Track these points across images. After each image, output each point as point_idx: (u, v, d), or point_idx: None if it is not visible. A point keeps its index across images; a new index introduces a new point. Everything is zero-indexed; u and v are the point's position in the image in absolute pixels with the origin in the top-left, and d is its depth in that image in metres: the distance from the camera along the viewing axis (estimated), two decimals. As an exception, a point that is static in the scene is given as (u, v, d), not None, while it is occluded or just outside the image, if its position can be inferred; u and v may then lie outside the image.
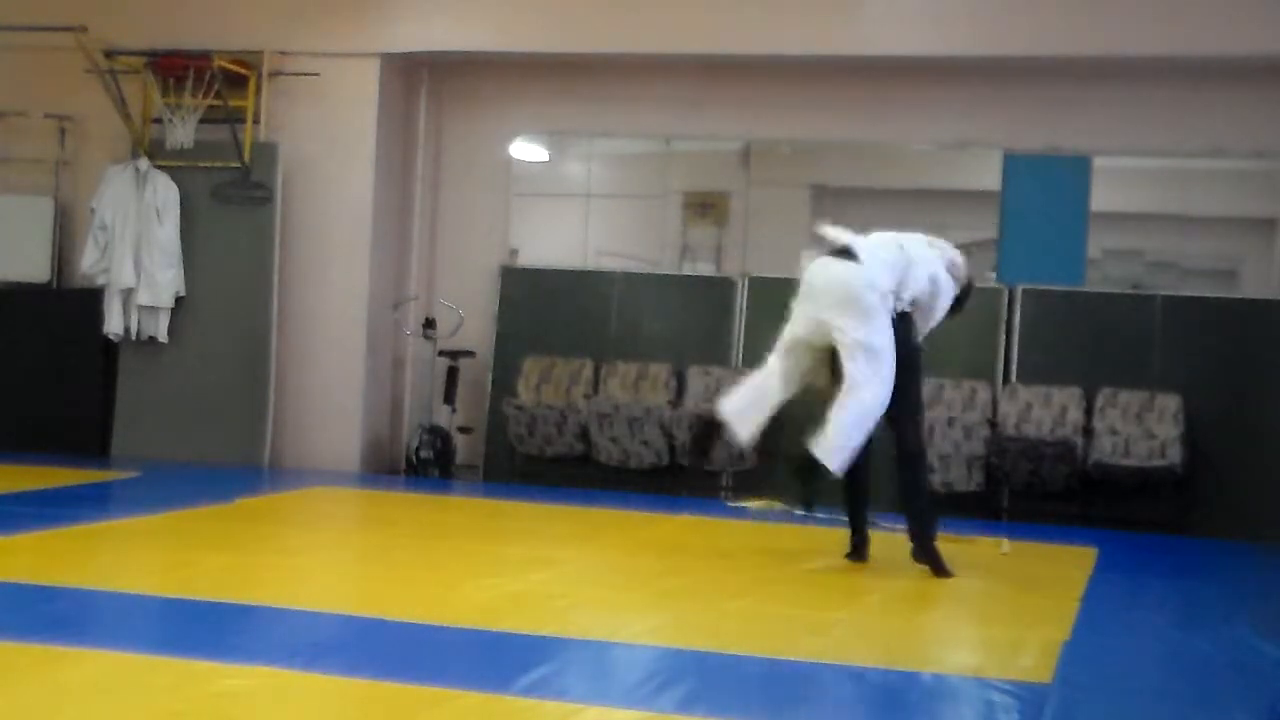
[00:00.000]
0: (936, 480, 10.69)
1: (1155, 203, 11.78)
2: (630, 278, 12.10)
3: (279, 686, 5.07)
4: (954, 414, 10.79)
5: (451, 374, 11.93)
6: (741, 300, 11.74)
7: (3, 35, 11.82)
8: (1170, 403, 10.72)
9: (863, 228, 8.72)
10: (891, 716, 5.28)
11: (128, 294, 11.68)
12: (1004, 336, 11.15)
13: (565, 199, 12.69)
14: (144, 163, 11.76)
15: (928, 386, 10.98)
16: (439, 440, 11.82)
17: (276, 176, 11.77)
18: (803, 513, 9.52)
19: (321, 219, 11.94)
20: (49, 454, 11.35)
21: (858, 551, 8.24)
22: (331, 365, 11.93)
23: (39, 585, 6.59)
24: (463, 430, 12.00)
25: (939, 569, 7.90)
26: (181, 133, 11.78)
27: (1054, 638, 6.42)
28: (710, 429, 8.34)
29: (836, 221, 8.59)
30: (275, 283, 11.80)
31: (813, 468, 7.81)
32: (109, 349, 11.97)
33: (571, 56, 11.85)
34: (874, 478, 8.29)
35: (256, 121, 11.88)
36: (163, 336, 11.80)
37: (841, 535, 8.37)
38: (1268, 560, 9.63)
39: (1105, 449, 10.63)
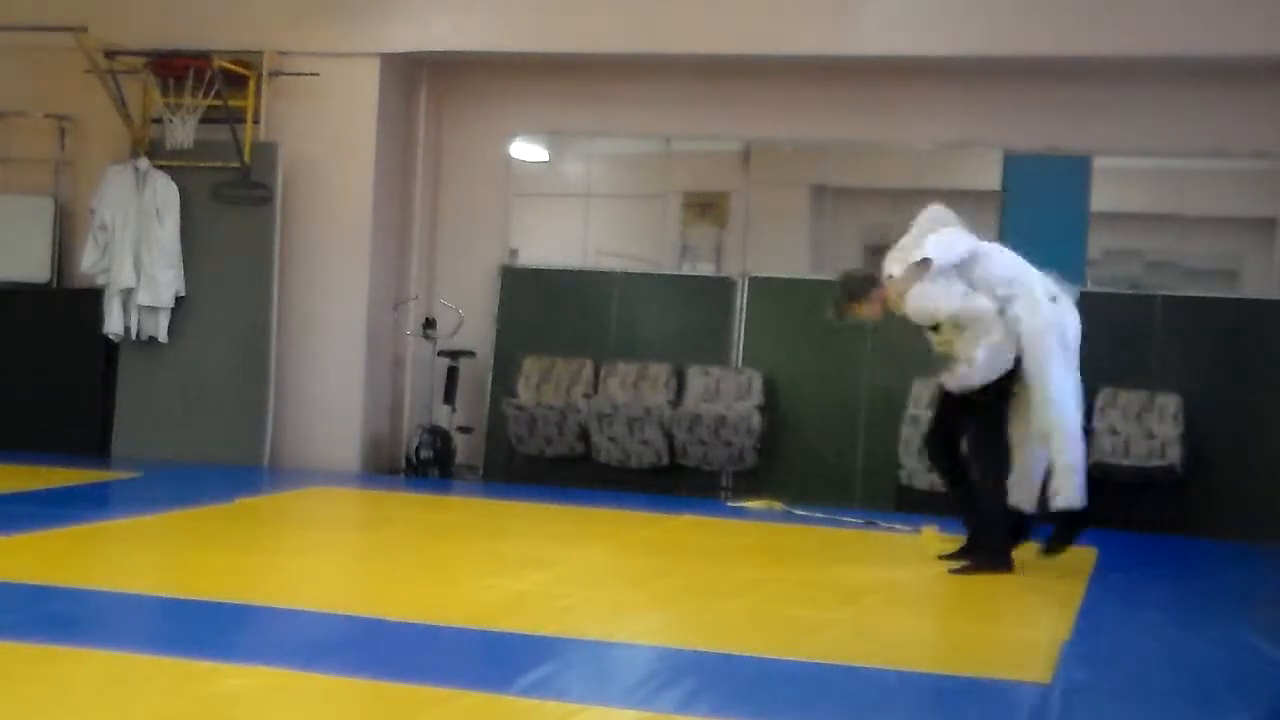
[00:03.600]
0: (937, 480, 10.70)
1: (1155, 203, 11.78)
2: (630, 278, 12.10)
3: (279, 686, 5.07)
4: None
5: (451, 374, 11.93)
6: (741, 300, 11.74)
7: (3, 35, 11.82)
8: (1170, 403, 10.71)
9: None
10: (892, 716, 5.28)
11: (128, 294, 11.68)
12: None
13: (565, 199, 12.69)
14: (144, 163, 11.75)
15: (924, 385, 10.97)
16: (439, 440, 11.82)
17: (276, 176, 11.76)
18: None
19: (321, 219, 11.94)
20: (49, 454, 11.35)
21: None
22: (331, 365, 11.93)
23: (39, 585, 6.59)
24: (463, 430, 12.00)
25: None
26: (181, 133, 11.77)
27: (1054, 638, 6.43)
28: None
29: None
30: (275, 283, 11.80)
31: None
32: (109, 349, 11.97)
33: (571, 56, 11.85)
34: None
35: (256, 121, 11.88)
36: (163, 336, 11.79)
37: (842, 536, 8.37)
38: (1268, 560, 9.63)
39: (1105, 449, 10.62)
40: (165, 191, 11.73)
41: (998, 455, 8.18)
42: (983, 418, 8.11)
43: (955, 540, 8.60)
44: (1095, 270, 11.35)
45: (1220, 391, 10.78)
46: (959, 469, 8.29)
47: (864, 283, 8.25)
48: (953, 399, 8.17)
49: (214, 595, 6.60)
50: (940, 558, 8.27)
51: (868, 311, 8.26)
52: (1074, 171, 11.27)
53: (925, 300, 7.98)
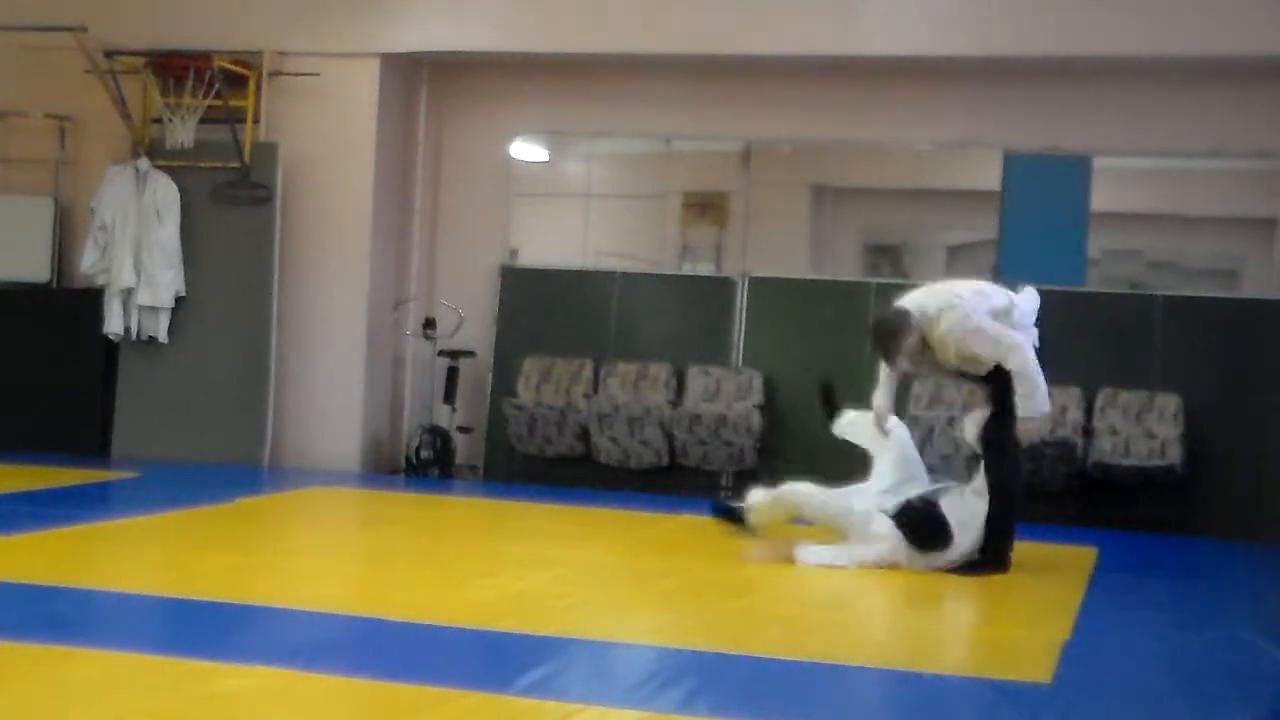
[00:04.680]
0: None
1: (1155, 203, 11.79)
2: (630, 278, 12.10)
3: (279, 686, 5.07)
4: (954, 414, 10.78)
5: (451, 374, 11.93)
6: (741, 300, 11.74)
7: (3, 35, 11.82)
8: (1170, 403, 10.71)
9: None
10: (892, 716, 5.28)
11: (128, 294, 11.67)
12: (1004, 336, 11.12)
13: (565, 199, 12.69)
14: (144, 163, 11.75)
15: (925, 385, 10.98)
16: (439, 440, 11.82)
17: (276, 176, 11.76)
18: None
19: (321, 219, 11.94)
20: (49, 454, 11.35)
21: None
22: (331, 365, 11.93)
23: (39, 585, 6.60)
24: (463, 430, 12.00)
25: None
26: (181, 133, 11.77)
27: (1054, 638, 6.42)
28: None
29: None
30: (275, 283, 11.80)
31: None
32: (109, 349, 11.97)
33: (571, 56, 11.85)
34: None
35: (256, 121, 11.88)
36: (163, 336, 11.79)
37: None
38: (1268, 560, 9.63)
39: (1105, 449, 10.63)
40: (165, 191, 11.72)
41: (1009, 463, 8.20)
42: (1000, 427, 8.12)
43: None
44: (1095, 270, 11.36)
45: (1220, 391, 10.78)
46: None
47: (898, 318, 8.17)
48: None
49: (214, 595, 6.60)
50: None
51: (911, 342, 8.12)
52: (1074, 171, 11.27)
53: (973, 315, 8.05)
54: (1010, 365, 8.01)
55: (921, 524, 7.98)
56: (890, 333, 8.17)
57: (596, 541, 8.90)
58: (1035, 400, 8.01)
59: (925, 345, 8.16)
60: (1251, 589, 8.60)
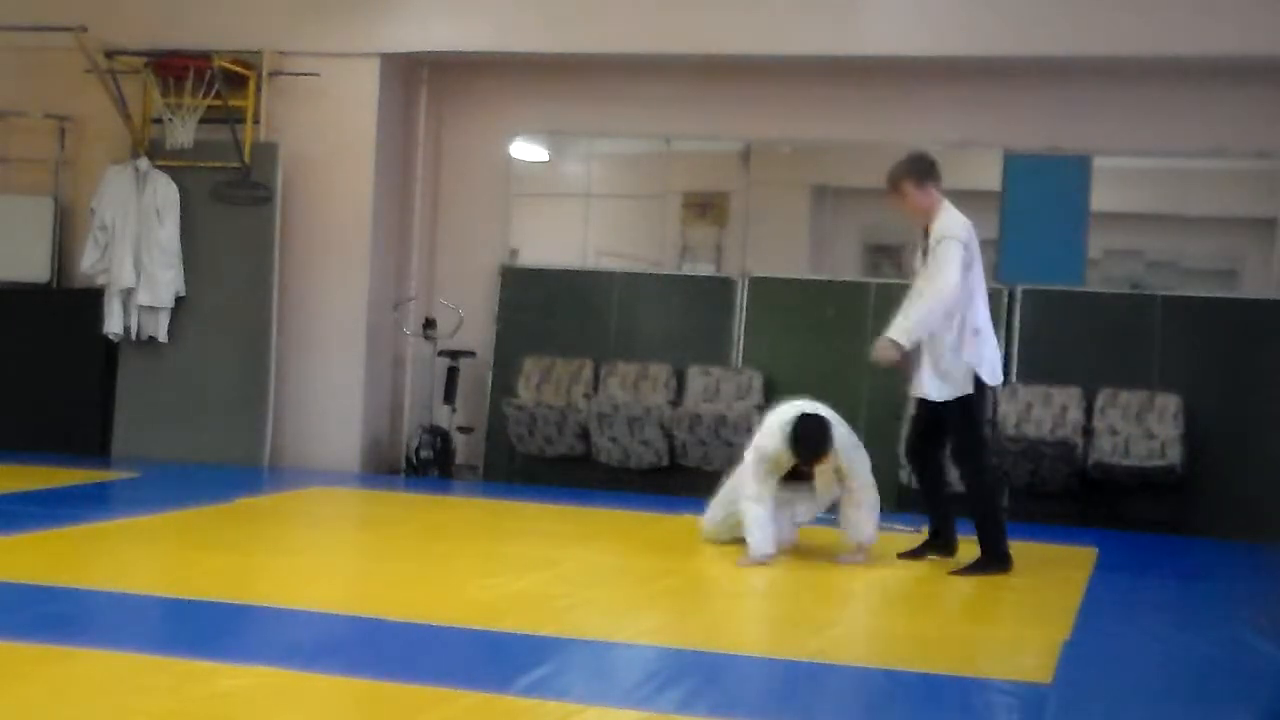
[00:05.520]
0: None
1: (1155, 203, 11.79)
2: (630, 278, 12.10)
3: (279, 686, 5.07)
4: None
5: (451, 374, 11.94)
6: (741, 300, 11.74)
7: (3, 35, 11.82)
8: (1170, 403, 10.72)
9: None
10: (891, 716, 5.28)
11: (128, 294, 11.67)
12: (1004, 336, 11.13)
13: (565, 199, 12.69)
14: (144, 163, 11.75)
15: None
16: (439, 440, 11.82)
17: (276, 176, 11.76)
18: None
19: (321, 219, 11.94)
20: (49, 454, 11.35)
21: (930, 546, 8.33)
22: (331, 365, 11.93)
23: (39, 585, 6.60)
24: (463, 430, 12.00)
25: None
26: (181, 133, 11.77)
27: (1054, 638, 6.43)
28: None
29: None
30: (275, 283, 11.80)
31: None
32: (109, 349, 11.97)
33: (571, 56, 11.85)
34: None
35: (256, 121, 11.88)
36: (163, 336, 11.79)
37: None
38: (1268, 560, 9.63)
39: (1105, 449, 10.63)
40: (165, 191, 11.72)
41: (982, 458, 8.23)
42: (962, 425, 8.13)
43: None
44: (1095, 270, 11.36)
45: (1220, 391, 10.78)
46: (930, 469, 8.37)
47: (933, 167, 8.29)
48: (925, 412, 8.26)
49: (214, 595, 6.61)
50: (899, 556, 8.28)
51: (915, 200, 8.18)
52: (1074, 171, 11.27)
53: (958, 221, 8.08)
54: (928, 288, 8.00)
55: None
56: (920, 156, 8.38)
57: (596, 541, 8.91)
58: (900, 326, 7.99)
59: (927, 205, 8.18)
60: (1251, 589, 8.60)
